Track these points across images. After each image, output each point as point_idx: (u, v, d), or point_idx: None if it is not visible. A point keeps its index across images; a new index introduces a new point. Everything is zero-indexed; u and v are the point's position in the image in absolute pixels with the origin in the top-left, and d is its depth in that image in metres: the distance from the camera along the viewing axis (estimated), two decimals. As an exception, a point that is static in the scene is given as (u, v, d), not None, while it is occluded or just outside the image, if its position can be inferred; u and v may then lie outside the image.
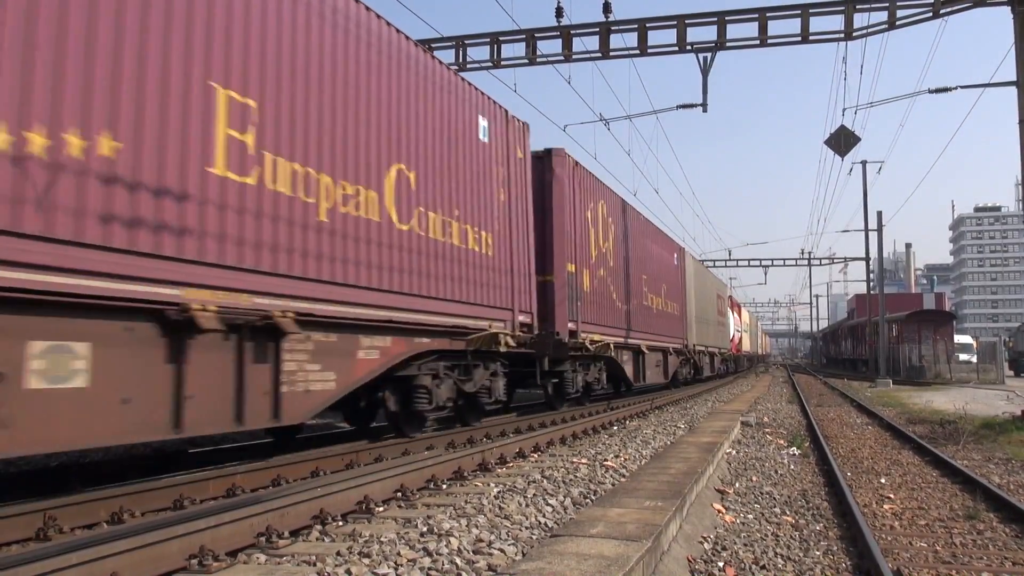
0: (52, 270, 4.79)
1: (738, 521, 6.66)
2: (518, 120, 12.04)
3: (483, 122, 10.89)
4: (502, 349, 10.84)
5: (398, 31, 8.85)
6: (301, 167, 7.07)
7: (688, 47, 16.36)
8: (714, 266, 56.30)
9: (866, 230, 40.90)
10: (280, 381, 6.69)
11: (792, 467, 9.81)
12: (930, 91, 20.26)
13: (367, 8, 8.28)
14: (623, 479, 6.99)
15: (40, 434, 4.73)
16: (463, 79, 10.51)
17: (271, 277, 6.60)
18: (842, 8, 15.63)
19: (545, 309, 13.06)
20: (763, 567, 5.33)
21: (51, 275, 4.79)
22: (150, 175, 5.51)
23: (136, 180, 5.40)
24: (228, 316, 6.05)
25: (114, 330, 5.23)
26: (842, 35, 15.75)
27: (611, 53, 16.60)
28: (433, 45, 16.97)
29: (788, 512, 7.19)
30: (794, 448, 11.34)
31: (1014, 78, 14.67)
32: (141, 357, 5.42)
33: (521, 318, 11.63)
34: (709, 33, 16.62)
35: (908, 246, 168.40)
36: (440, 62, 9.87)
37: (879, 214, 36.70)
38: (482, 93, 10.92)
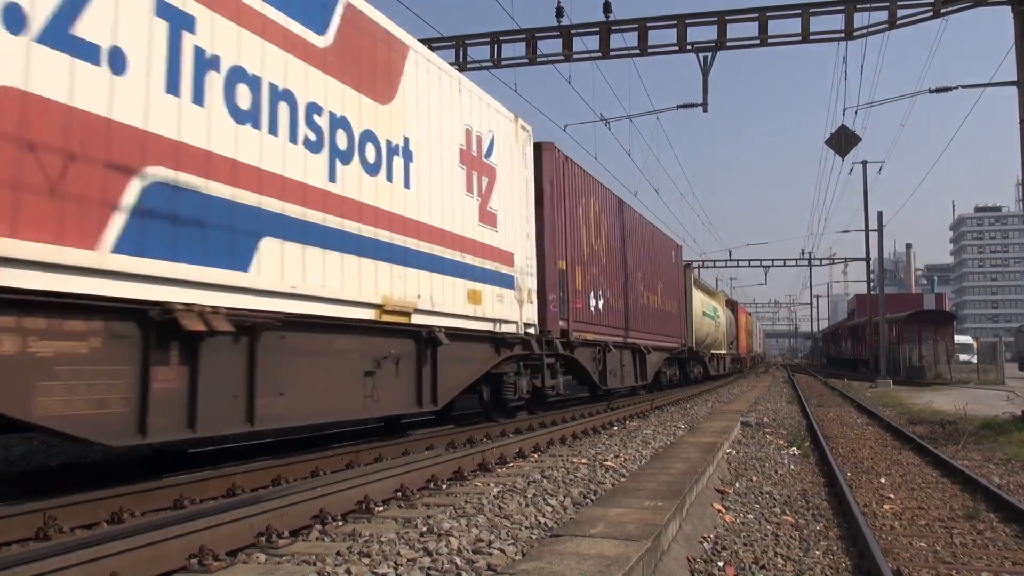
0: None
1: (738, 521, 6.66)
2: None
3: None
4: None
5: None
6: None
7: (688, 47, 16.35)
8: (714, 266, 56.42)
9: (866, 230, 40.95)
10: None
11: (792, 467, 9.81)
12: (930, 91, 20.30)
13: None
14: (623, 479, 6.99)
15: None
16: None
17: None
18: (842, 8, 15.63)
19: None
20: (763, 567, 5.33)
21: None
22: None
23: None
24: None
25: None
26: (842, 35, 15.75)
27: (611, 53, 16.60)
28: (433, 45, 16.96)
29: (788, 512, 7.19)
30: (794, 448, 11.33)
31: (1014, 78, 14.67)
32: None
33: None
34: (709, 33, 16.60)
35: (908, 246, 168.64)
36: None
37: (879, 214, 36.61)
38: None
